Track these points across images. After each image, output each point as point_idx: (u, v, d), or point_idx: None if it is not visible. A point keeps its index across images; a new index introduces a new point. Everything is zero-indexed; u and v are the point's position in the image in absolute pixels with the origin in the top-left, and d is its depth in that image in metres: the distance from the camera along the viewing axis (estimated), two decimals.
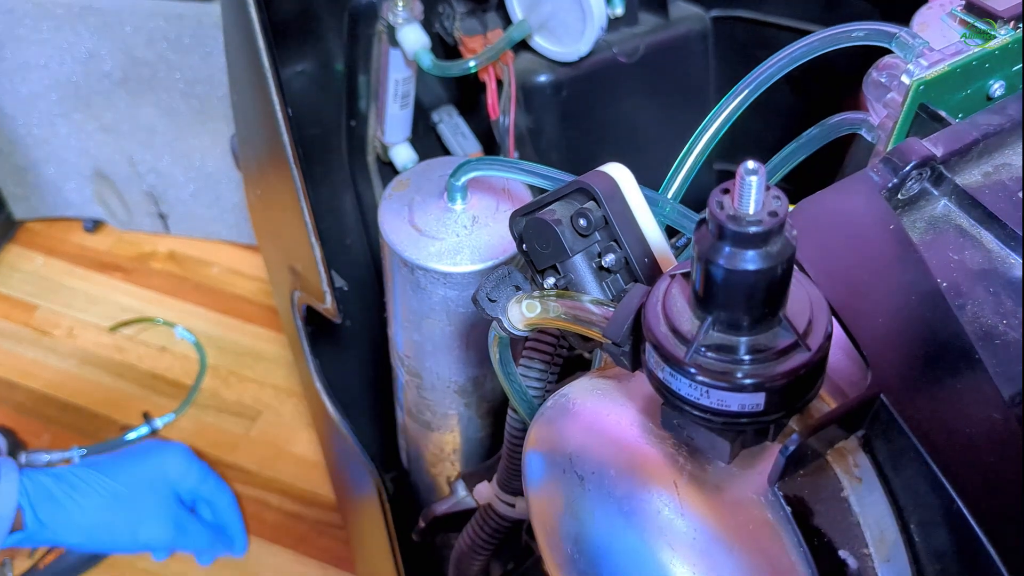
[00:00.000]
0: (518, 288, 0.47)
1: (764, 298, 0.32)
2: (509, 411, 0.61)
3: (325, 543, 1.38)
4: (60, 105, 1.48)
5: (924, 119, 0.47)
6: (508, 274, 0.48)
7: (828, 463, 0.37)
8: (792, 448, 0.35)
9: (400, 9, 0.85)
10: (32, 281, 1.63)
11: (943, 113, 0.46)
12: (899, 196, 0.41)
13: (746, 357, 0.33)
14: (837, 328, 0.37)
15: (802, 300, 0.34)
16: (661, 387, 0.35)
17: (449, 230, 0.62)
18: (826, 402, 0.38)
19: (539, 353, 0.58)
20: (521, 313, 0.45)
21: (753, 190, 0.31)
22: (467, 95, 1.04)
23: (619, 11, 0.94)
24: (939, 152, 0.42)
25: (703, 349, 0.33)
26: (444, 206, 0.63)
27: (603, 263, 0.43)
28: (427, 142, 1.03)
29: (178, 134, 1.49)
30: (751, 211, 0.31)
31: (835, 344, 0.36)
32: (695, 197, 0.46)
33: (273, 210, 0.83)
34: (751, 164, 0.31)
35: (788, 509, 0.36)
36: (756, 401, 0.33)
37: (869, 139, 0.53)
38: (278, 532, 1.39)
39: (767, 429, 0.36)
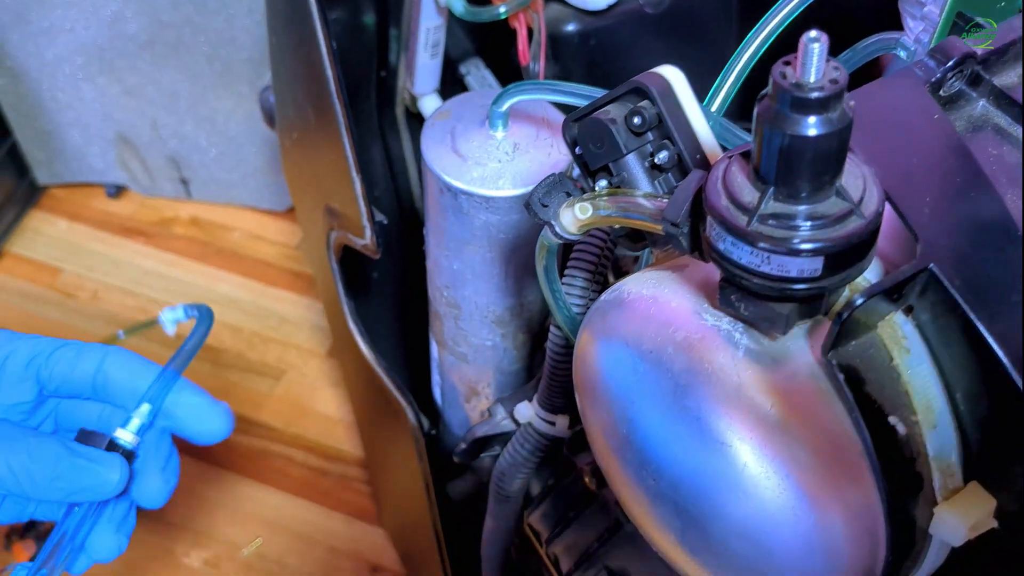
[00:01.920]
0: (569, 194, 0.49)
1: (823, 165, 0.34)
2: (551, 328, 0.63)
3: (349, 497, 1.41)
4: (85, 69, 1.50)
5: (961, 27, 0.49)
6: (559, 180, 0.49)
7: (878, 335, 0.39)
8: (846, 315, 0.36)
9: None
10: (56, 245, 1.66)
11: (980, 20, 0.48)
12: (940, 93, 0.43)
13: (805, 224, 0.35)
14: (887, 210, 0.39)
15: (856, 174, 0.36)
16: (722, 260, 0.37)
17: (491, 156, 0.64)
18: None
19: (581, 270, 0.60)
20: (574, 216, 0.47)
21: (815, 57, 0.33)
22: (493, 48, 1.06)
23: None
24: (978, 52, 0.43)
25: (764, 217, 0.35)
26: (486, 133, 0.65)
27: (656, 161, 0.45)
28: (454, 93, 1.05)
29: (201, 98, 1.51)
30: (813, 79, 0.33)
31: (882, 228, 0.37)
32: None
33: (310, 151, 0.84)
34: (813, 33, 0.33)
35: (841, 377, 0.38)
36: (814, 266, 0.35)
37: (904, 58, 0.55)
38: (303, 487, 1.42)
39: (820, 300, 0.38)
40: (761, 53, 0.51)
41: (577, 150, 0.48)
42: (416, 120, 1.05)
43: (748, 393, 0.39)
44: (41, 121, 1.58)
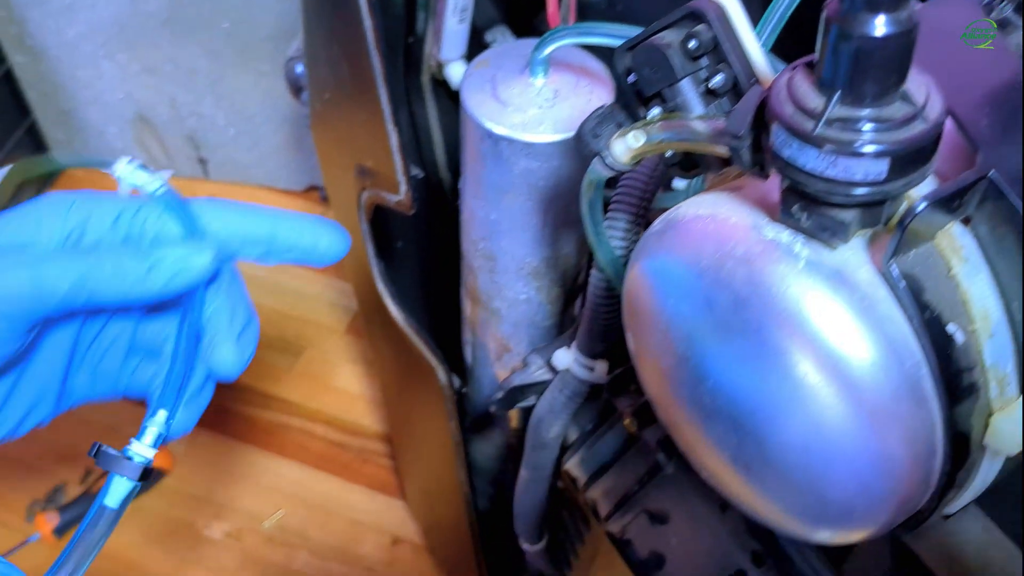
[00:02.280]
0: (620, 125, 0.50)
1: (890, 67, 0.35)
2: (592, 271, 0.63)
3: (370, 470, 1.41)
4: (105, 46, 1.51)
5: None
6: (610, 112, 0.50)
7: (936, 245, 0.40)
8: (908, 220, 0.37)
9: None
10: None
11: None
12: (991, 17, 0.44)
13: (870, 126, 0.36)
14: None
15: (919, 80, 0.37)
16: (786, 168, 0.38)
17: (531, 103, 0.65)
18: None
19: (623, 212, 0.61)
20: (626, 145, 0.48)
21: None
22: (519, 16, 1.06)
23: None
24: None
25: (830, 121, 0.36)
26: (526, 81, 0.65)
27: (710, 85, 0.46)
28: None
29: (220, 76, 1.52)
30: None
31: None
32: None
33: (343, 109, 0.85)
34: None
35: (903, 284, 0.39)
36: (879, 169, 0.36)
37: None
38: (324, 460, 1.43)
39: (882, 207, 0.39)
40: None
41: (630, 79, 0.49)
42: (442, 88, 1.06)
43: (809, 304, 0.40)
44: (60, 100, 1.59)
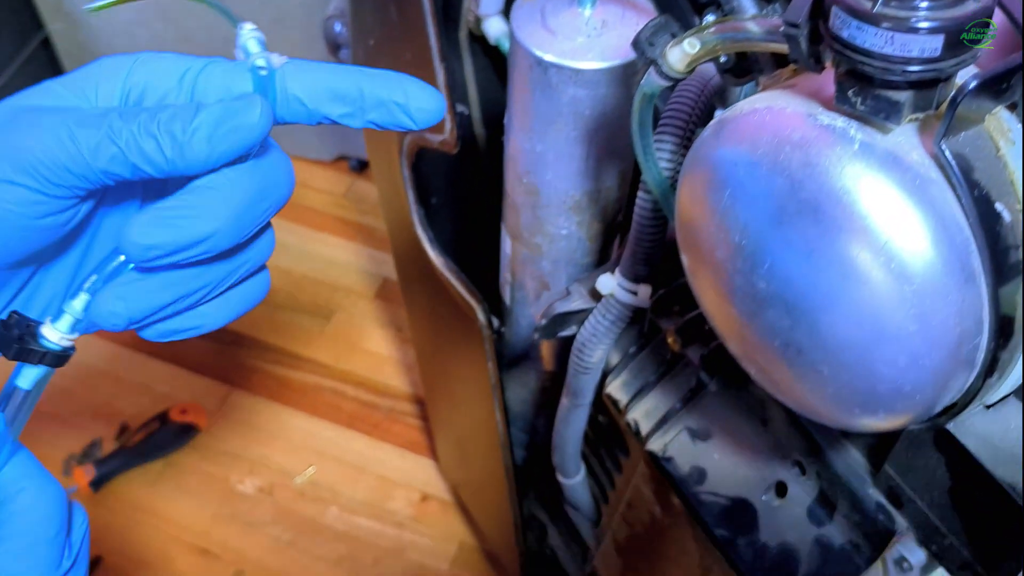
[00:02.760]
0: (675, 35, 0.52)
1: None
2: (639, 192, 0.66)
3: (399, 429, 1.44)
4: (141, 14, 1.54)
5: None
6: (666, 22, 0.52)
7: (985, 128, 0.42)
8: (960, 99, 0.39)
9: None
10: None
11: None
12: None
13: (926, 3, 0.38)
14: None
15: None
16: (845, 48, 0.40)
17: (580, 32, 0.67)
18: None
19: (670, 133, 0.63)
20: (682, 51, 0.50)
21: None
22: None
23: None
24: None
25: (887, 1, 0.38)
26: (575, 11, 0.68)
27: None
28: None
29: None
30: None
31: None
32: None
33: (388, 53, 0.88)
34: None
35: (953, 163, 0.41)
36: (934, 45, 0.38)
37: None
38: (354, 419, 1.45)
39: (934, 89, 0.41)
40: None
41: None
42: (478, 43, 1.08)
43: (863, 183, 0.42)
44: None
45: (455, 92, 0.98)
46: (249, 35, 0.40)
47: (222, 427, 1.43)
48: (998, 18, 0.43)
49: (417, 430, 1.43)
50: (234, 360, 1.50)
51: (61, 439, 1.40)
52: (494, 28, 1.03)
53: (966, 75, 0.41)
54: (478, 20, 1.05)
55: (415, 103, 0.41)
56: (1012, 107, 0.42)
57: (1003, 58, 0.44)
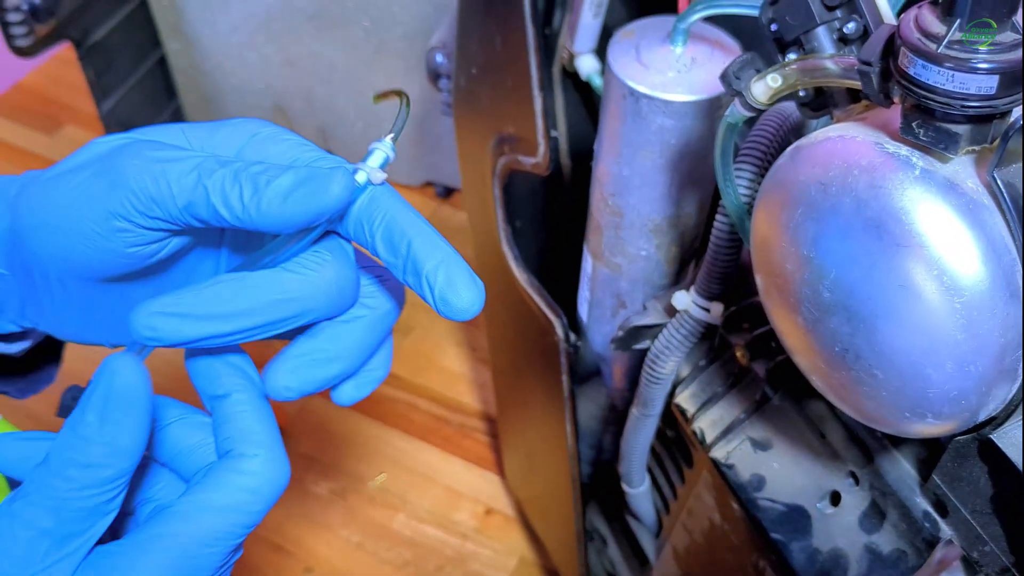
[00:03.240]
0: (759, 71, 0.58)
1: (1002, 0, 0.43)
2: (717, 216, 0.71)
3: (469, 444, 1.50)
4: (252, 38, 1.64)
5: None
6: (751, 59, 0.58)
7: None
8: (1012, 133, 0.44)
9: None
10: None
11: None
12: None
13: (983, 49, 0.43)
14: None
15: None
16: (911, 84, 0.45)
17: (671, 67, 0.73)
18: None
19: (750, 163, 0.68)
20: (766, 85, 0.56)
21: None
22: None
23: None
24: None
25: (951, 44, 0.44)
26: (667, 48, 0.74)
27: (844, 32, 0.54)
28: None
29: (355, 71, 1.64)
30: None
31: None
32: None
33: (489, 82, 0.95)
34: None
35: (1005, 191, 0.46)
36: (990, 84, 0.43)
37: None
38: (426, 432, 1.51)
39: (990, 123, 0.46)
40: None
41: (773, 27, 0.57)
42: (570, 79, 1.15)
43: (922, 205, 0.47)
44: (206, 86, 1.73)
45: (548, 120, 1.05)
46: (382, 147, 0.45)
47: (300, 430, 1.50)
48: None
49: (486, 446, 1.49)
50: None
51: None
52: (586, 65, 1.10)
53: (1019, 112, 0.46)
54: (571, 57, 1.12)
55: (450, 293, 0.41)
56: None
57: None
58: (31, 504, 0.38)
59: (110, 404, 0.38)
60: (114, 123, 1.62)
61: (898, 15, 0.57)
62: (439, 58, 1.25)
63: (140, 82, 1.65)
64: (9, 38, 1.31)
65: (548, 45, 1.13)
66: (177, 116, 1.76)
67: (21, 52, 1.33)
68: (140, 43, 1.63)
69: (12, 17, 1.28)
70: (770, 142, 0.69)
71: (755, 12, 0.64)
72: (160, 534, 0.40)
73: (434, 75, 1.26)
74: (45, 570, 0.38)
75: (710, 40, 0.75)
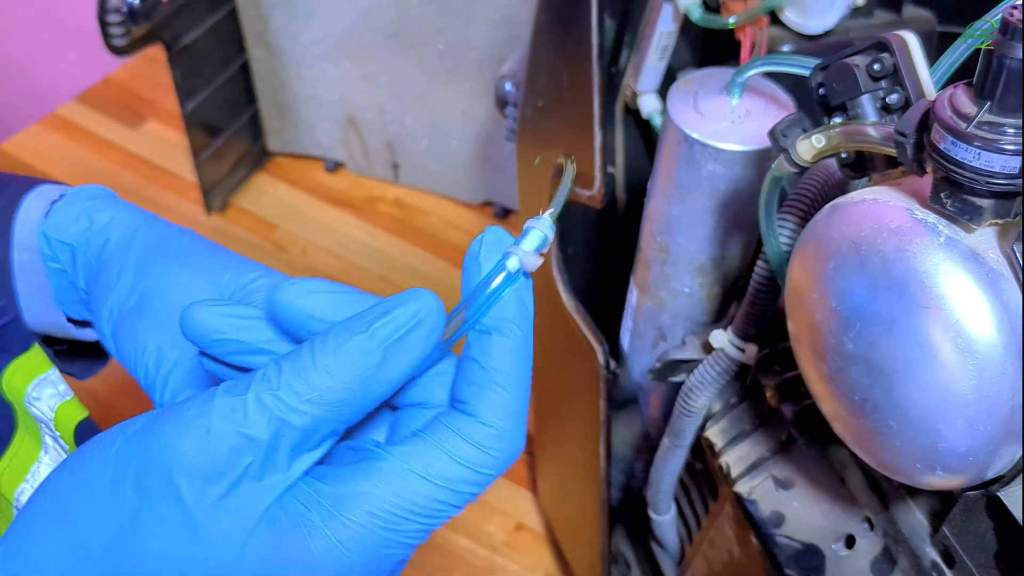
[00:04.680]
0: (806, 130, 0.61)
1: None
2: (758, 262, 0.75)
3: None
4: (331, 52, 1.70)
5: None
6: (799, 118, 0.62)
7: None
8: None
9: None
10: (276, 205, 1.86)
11: None
12: None
13: (1010, 131, 0.47)
14: None
15: None
16: (941, 159, 0.49)
17: (725, 117, 0.77)
18: None
19: (793, 214, 0.72)
20: (811, 144, 0.59)
21: None
22: (711, 61, 1.19)
23: (860, 1, 1.07)
24: None
25: (980, 123, 0.47)
26: (724, 99, 0.78)
27: (887, 102, 0.57)
28: None
29: (428, 90, 1.69)
30: None
31: None
32: None
33: (553, 115, 0.99)
34: None
35: (1022, 264, 0.49)
36: (1014, 164, 0.47)
37: None
38: None
39: (1013, 200, 0.49)
40: (969, 53, 0.62)
41: (821, 91, 0.60)
42: (631, 116, 1.19)
43: (944, 270, 0.50)
44: (283, 94, 1.80)
45: (607, 155, 1.09)
46: (540, 226, 0.42)
47: None
48: None
49: (521, 462, 1.53)
50: None
51: None
52: (648, 104, 1.14)
53: None
54: (634, 95, 1.16)
55: (472, 430, 0.39)
56: None
57: None
58: (253, 404, 0.36)
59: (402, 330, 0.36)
60: (195, 122, 1.69)
61: (939, 89, 0.61)
62: (508, 86, 1.30)
63: (223, 85, 1.72)
64: (107, 36, 1.38)
65: (613, 82, 1.18)
66: (255, 120, 1.83)
67: (116, 51, 1.41)
68: (226, 49, 1.70)
69: (112, 18, 1.36)
70: (814, 196, 0.72)
71: (807, 72, 0.68)
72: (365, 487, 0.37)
73: (502, 102, 1.31)
74: (236, 487, 0.35)
75: (765, 94, 0.79)
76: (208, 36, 1.64)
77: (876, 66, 0.57)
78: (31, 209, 0.55)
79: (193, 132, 1.68)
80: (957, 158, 0.48)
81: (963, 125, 0.48)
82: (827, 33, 1.04)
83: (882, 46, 0.57)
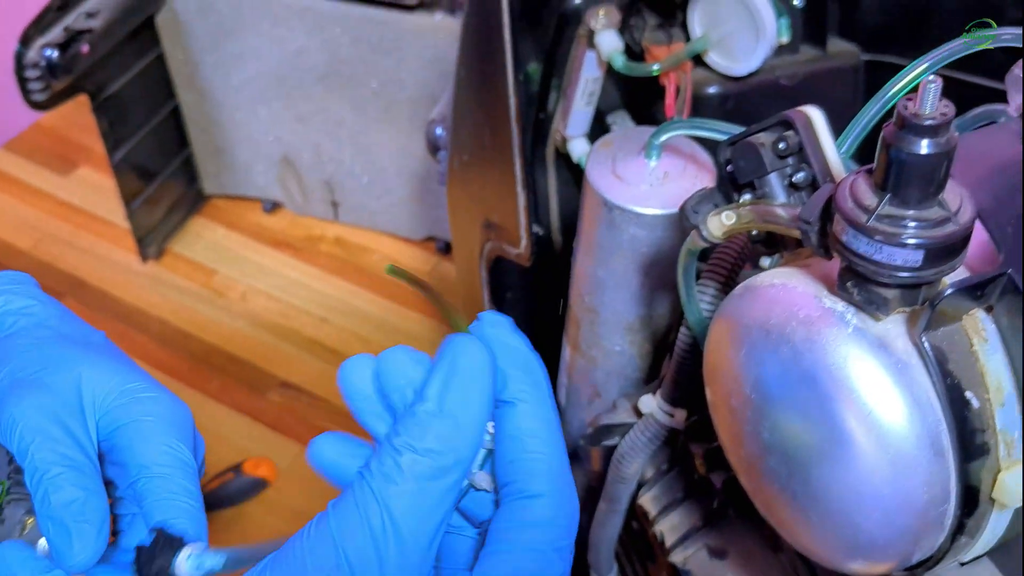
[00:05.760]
0: (716, 205, 0.60)
1: (930, 179, 0.45)
2: (681, 328, 0.73)
3: None
4: (264, 93, 1.68)
5: None
6: (709, 194, 0.61)
7: (962, 325, 0.49)
8: (938, 301, 0.47)
9: (601, 16, 0.99)
10: (214, 249, 1.83)
11: None
12: None
13: (911, 224, 0.45)
14: (978, 230, 0.49)
15: (955, 191, 0.46)
16: (844, 250, 0.47)
17: (644, 181, 0.76)
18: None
19: (713, 280, 0.71)
20: (720, 222, 0.58)
21: (931, 95, 0.43)
22: (639, 103, 1.18)
23: (785, 39, 1.06)
24: None
25: (880, 216, 0.46)
26: (642, 162, 0.76)
27: (794, 180, 0.56)
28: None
29: (363, 129, 1.67)
30: (928, 110, 0.44)
31: (972, 246, 0.47)
32: None
33: (478, 170, 0.97)
34: (932, 76, 0.43)
35: (931, 354, 0.48)
36: (916, 258, 0.46)
37: None
38: None
39: (918, 290, 0.48)
40: (882, 114, 0.62)
41: (728, 168, 0.59)
42: (563, 160, 1.18)
43: (853, 362, 0.49)
44: (217, 136, 1.77)
45: (535, 212, 1.08)
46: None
47: (290, 483, 1.52)
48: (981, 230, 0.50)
49: None
50: (308, 421, 1.60)
51: None
52: (578, 148, 1.13)
53: (955, 276, 0.48)
54: (564, 140, 1.14)
55: None
56: (989, 309, 0.49)
57: (989, 259, 0.51)
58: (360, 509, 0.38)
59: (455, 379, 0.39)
60: (127, 169, 1.65)
61: (851, 156, 0.60)
62: (438, 131, 1.28)
63: (154, 131, 1.69)
64: (26, 92, 1.35)
65: (542, 127, 1.16)
66: (189, 163, 1.80)
67: (36, 106, 1.37)
68: (155, 94, 1.67)
69: (30, 73, 1.32)
70: (734, 260, 0.71)
71: (723, 137, 0.67)
72: None
73: (433, 147, 1.29)
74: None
75: (684, 153, 0.78)
76: (135, 83, 1.60)
77: (781, 144, 0.56)
78: None
79: (125, 179, 1.64)
80: (859, 251, 0.47)
81: (864, 217, 0.46)
82: (753, 73, 1.03)
83: (787, 124, 0.56)
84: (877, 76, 1.13)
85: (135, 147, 1.65)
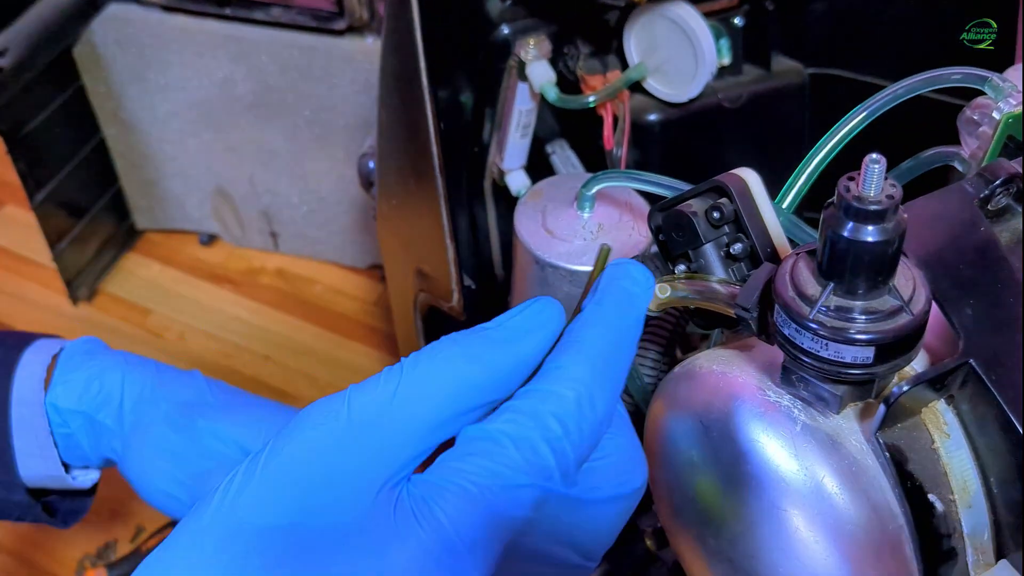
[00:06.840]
0: (657, 267, 0.55)
1: (878, 267, 0.40)
2: (624, 395, 0.68)
3: None
4: (192, 124, 1.61)
5: (1011, 149, 0.54)
6: (643, 260, 0.55)
7: (922, 419, 0.44)
8: (893, 400, 0.41)
9: (531, 47, 0.94)
10: (148, 287, 1.75)
11: None
12: (989, 207, 0.48)
13: (860, 317, 0.40)
14: (934, 308, 0.44)
15: (907, 275, 0.41)
16: (786, 343, 0.42)
17: (577, 234, 0.70)
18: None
19: (653, 344, 0.65)
20: (655, 295, 0.53)
21: (875, 176, 0.38)
22: (578, 131, 1.13)
23: (726, 60, 1.01)
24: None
25: (825, 309, 0.41)
26: (573, 213, 0.71)
27: (731, 251, 0.51)
28: (540, 170, 1.12)
29: (298, 158, 1.60)
30: (872, 193, 0.38)
31: (929, 324, 0.42)
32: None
33: (407, 217, 0.91)
34: (875, 155, 0.38)
35: (887, 455, 0.43)
36: (866, 355, 0.41)
37: (961, 169, 0.60)
38: None
39: (872, 384, 0.43)
40: (830, 159, 0.57)
41: (660, 236, 0.54)
42: (501, 192, 1.12)
43: (803, 465, 0.44)
44: (146, 170, 1.69)
45: (476, 249, 1.02)
46: None
47: None
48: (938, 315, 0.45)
49: None
50: None
51: (77, 538, 1.43)
52: (516, 181, 1.08)
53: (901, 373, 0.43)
54: (501, 173, 1.09)
55: None
56: (950, 399, 0.44)
57: (946, 348, 0.46)
58: None
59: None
60: (52, 208, 1.58)
61: (792, 211, 0.55)
62: (371, 164, 1.22)
63: (78, 167, 1.61)
64: None
65: (478, 159, 1.11)
66: (118, 199, 1.72)
67: None
68: (77, 129, 1.59)
69: None
70: (674, 325, 0.66)
71: (656, 190, 0.61)
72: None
73: (367, 182, 1.23)
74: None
75: (619, 202, 0.72)
76: (55, 119, 1.53)
77: (715, 214, 0.50)
78: (31, 363, 0.60)
79: (49, 219, 1.57)
80: (803, 346, 0.42)
81: (806, 310, 0.41)
82: (695, 98, 0.99)
83: (720, 190, 0.51)
84: (824, 90, 1.09)
85: (59, 185, 1.57)
